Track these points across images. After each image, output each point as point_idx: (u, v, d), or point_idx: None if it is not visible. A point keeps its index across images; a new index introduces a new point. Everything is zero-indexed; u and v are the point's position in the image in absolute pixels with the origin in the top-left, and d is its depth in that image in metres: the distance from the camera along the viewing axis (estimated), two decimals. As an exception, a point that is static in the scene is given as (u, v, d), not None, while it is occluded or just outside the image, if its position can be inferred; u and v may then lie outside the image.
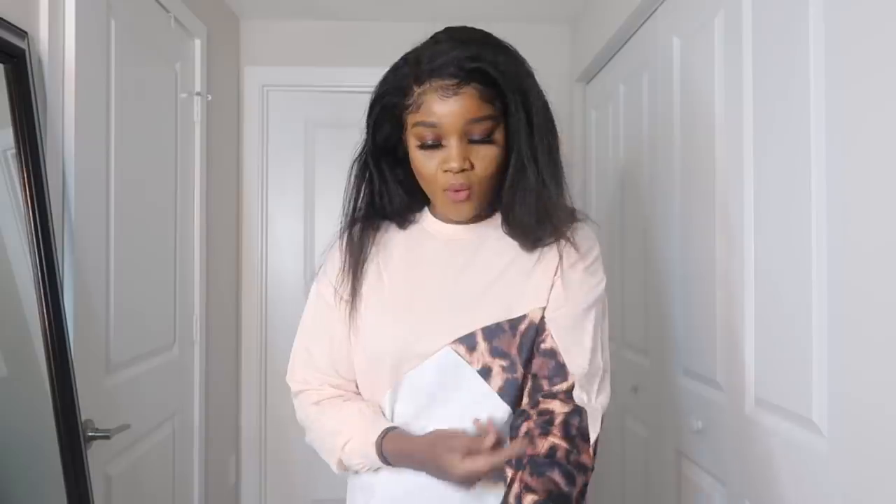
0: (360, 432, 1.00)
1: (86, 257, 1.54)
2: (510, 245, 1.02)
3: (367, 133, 1.04)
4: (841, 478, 1.05)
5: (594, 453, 0.96)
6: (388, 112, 1.01)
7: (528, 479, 0.90)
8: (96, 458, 1.52)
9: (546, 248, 1.01)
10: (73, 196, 1.48)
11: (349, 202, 1.10)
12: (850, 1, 1.03)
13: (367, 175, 1.07)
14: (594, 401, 0.98)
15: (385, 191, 1.07)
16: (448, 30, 1.03)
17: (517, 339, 0.97)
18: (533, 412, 0.95)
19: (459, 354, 0.97)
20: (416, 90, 0.96)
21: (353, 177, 1.08)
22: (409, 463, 0.97)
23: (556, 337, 0.97)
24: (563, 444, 0.93)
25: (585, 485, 0.93)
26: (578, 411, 0.95)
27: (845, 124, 1.04)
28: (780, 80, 1.23)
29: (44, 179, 1.34)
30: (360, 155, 1.07)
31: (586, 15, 2.57)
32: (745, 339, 1.34)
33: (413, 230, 1.09)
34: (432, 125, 0.95)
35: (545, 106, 1.03)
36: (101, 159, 1.63)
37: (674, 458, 1.72)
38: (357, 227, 1.09)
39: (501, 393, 0.97)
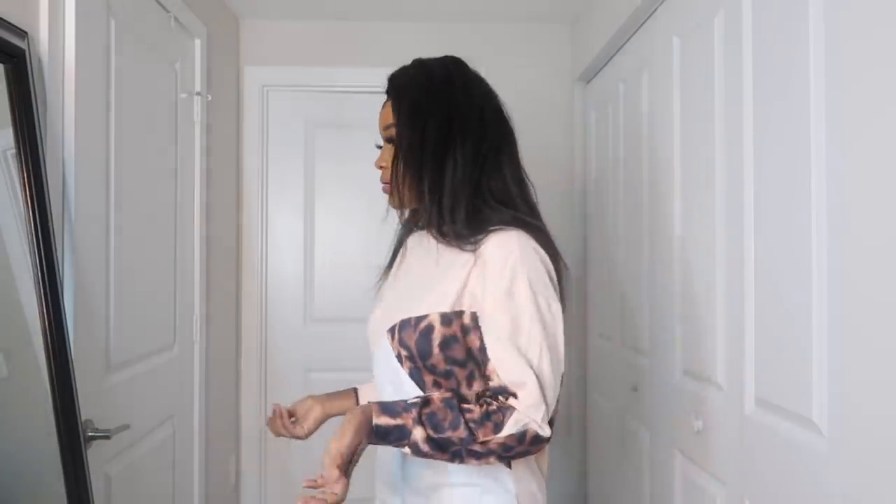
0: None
1: (86, 257, 1.54)
2: (432, 248, 1.12)
3: None
4: (841, 478, 1.05)
5: (502, 450, 0.99)
6: None
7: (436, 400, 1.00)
8: (96, 458, 1.52)
9: (459, 256, 1.07)
10: (73, 196, 1.48)
11: None
12: (849, 1, 1.03)
13: None
14: (539, 420, 0.99)
15: None
16: None
17: (416, 334, 1.06)
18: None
19: (389, 343, 1.10)
20: None
21: None
22: None
23: (503, 376, 1.01)
24: (475, 415, 0.98)
25: (455, 450, 0.98)
26: (509, 410, 0.99)
27: (845, 124, 1.04)
28: (780, 80, 1.23)
29: (44, 179, 1.34)
30: None
31: (586, 15, 2.57)
32: (745, 339, 1.34)
33: (424, 233, 1.21)
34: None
35: (443, 121, 1.10)
36: (101, 159, 1.63)
37: (674, 458, 1.72)
38: (400, 230, 1.28)
39: (411, 376, 1.08)
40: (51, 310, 1.33)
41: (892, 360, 0.93)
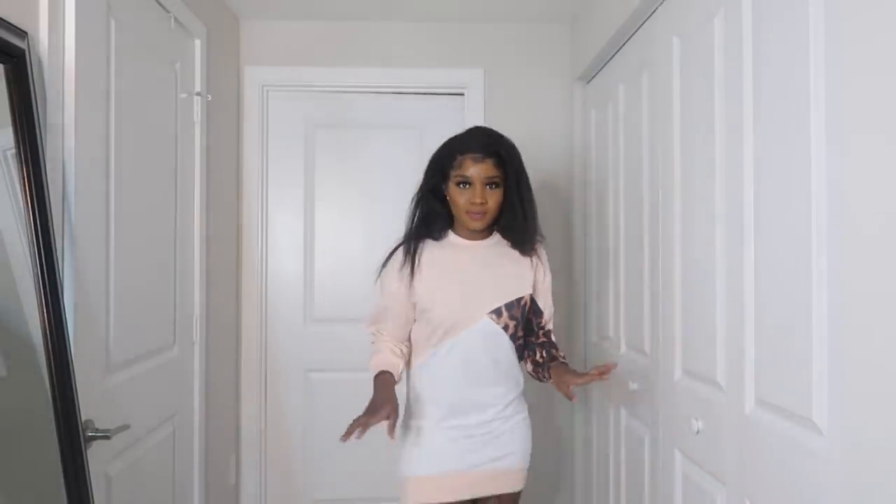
0: (377, 358, 1.78)
1: (86, 257, 1.54)
2: (505, 254, 1.79)
3: (425, 180, 1.77)
4: (841, 478, 1.05)
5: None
6: (440, 168, 1.73)
7: (545, 351, 1.82)
8: (96, 458, 1.52)
9: (525, 259, 1.81)
10: (73, 196, 1.48)
11: (409, 222, 1.80)
12: (850, 0, 1.03)
13: (420, 205, 1.79)
14: (552, 327, 1.88)
15: (430, 215, 1.78)
16: (479, 128, 1.79)
17: (519, 308, 1.76)
18: (536, 340, 1.84)
19: (492, 320, 1.73)
20: (459, 157, 1.69)
21: (413, 205, 1.80)
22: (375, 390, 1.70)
23: (542, 305, 1.85)
24: (555, 347, 1.85)
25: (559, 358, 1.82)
26: (551, 332, 1.87)
27: (845, 123, 1.04)
28: (780, 80, 1.23)
29: (44, 179, 1.34)
30: (418, 192, 1.79)
31: (586, 15, 2.57)
32: (745, 339, 1.34)
33: (444, 243, 1.80)
34: (466, 176, 1.68)
35: (527, 177, 1.75)
36: (101, 159, 1.63)
37: (674, 458, 1.72)
38: (414, 240, 1.78)
39: (511, 337, 1.76)
40: (51, 310, 1.33)
41: (892, 360, 0.93)
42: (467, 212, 1.70)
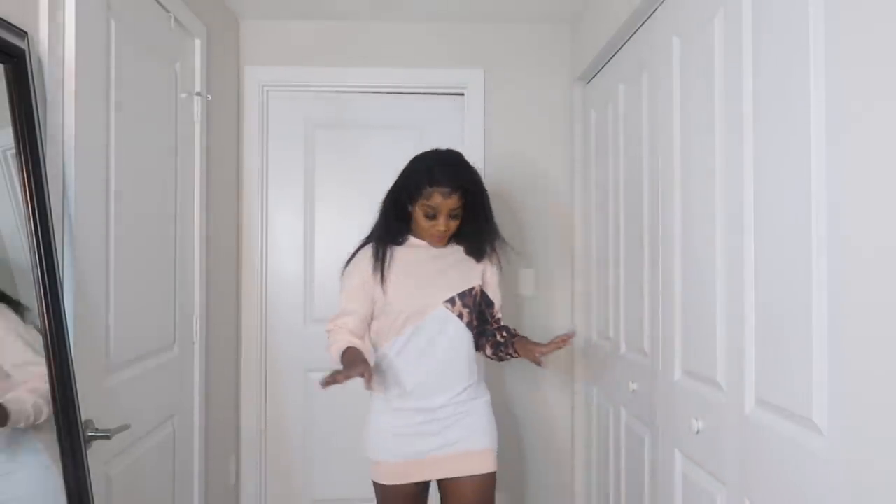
0: (337, 344, 1.88)
1: (86, 257, 1.54)
2: (457, 251, 1.99)
3: (393, 193, 1.94)
4: (841, 478, 1.05)
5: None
6: (407, 189, 1.88)
7: (505, 332, 2.03)
8: (96, 458, 1.52)
9: (478, 261, 1.99)
10: (73, 196, 1.48)
11: (377, 229, 1.97)
12: (850, 0, 1.03)
13: (386, 216, 1.95)
14: (501, 316, 2.10)
15: (395, 224, 1.94)
16: (448, 160, 1.89)
17: (471, 298, 1.95)
18: (492, 328, 2.05)
19: (448, 309, 1.91)
20: (428, 189, 1.83)
21: (382, 212, 1.96)
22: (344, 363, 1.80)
23: (492, 296, 2.04)
24: (511, 329, 2.05)
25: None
26: (501, 320, 2.09)
27: (845, 124, 1.04)
28: (780, 79, 1.23)
29: (44, 179, 1.34)
30: (384, 202, 1.96)
31: (586, 15, 2.57)
32: (745, 339, 1.34)
33: (406, 246, 1.97)
34: (433, 207, 1.85)
35: (487, 195, 1.94)
36: (101, 159, 1.63)
37: (674, 458, 1.73)
38: (382, 243, 1.94)
39: (467, 325, 1.94)
40: (51, 310, 1.33)
41: (893, 360, 0.93)
42: (430, 234, 1.90)
